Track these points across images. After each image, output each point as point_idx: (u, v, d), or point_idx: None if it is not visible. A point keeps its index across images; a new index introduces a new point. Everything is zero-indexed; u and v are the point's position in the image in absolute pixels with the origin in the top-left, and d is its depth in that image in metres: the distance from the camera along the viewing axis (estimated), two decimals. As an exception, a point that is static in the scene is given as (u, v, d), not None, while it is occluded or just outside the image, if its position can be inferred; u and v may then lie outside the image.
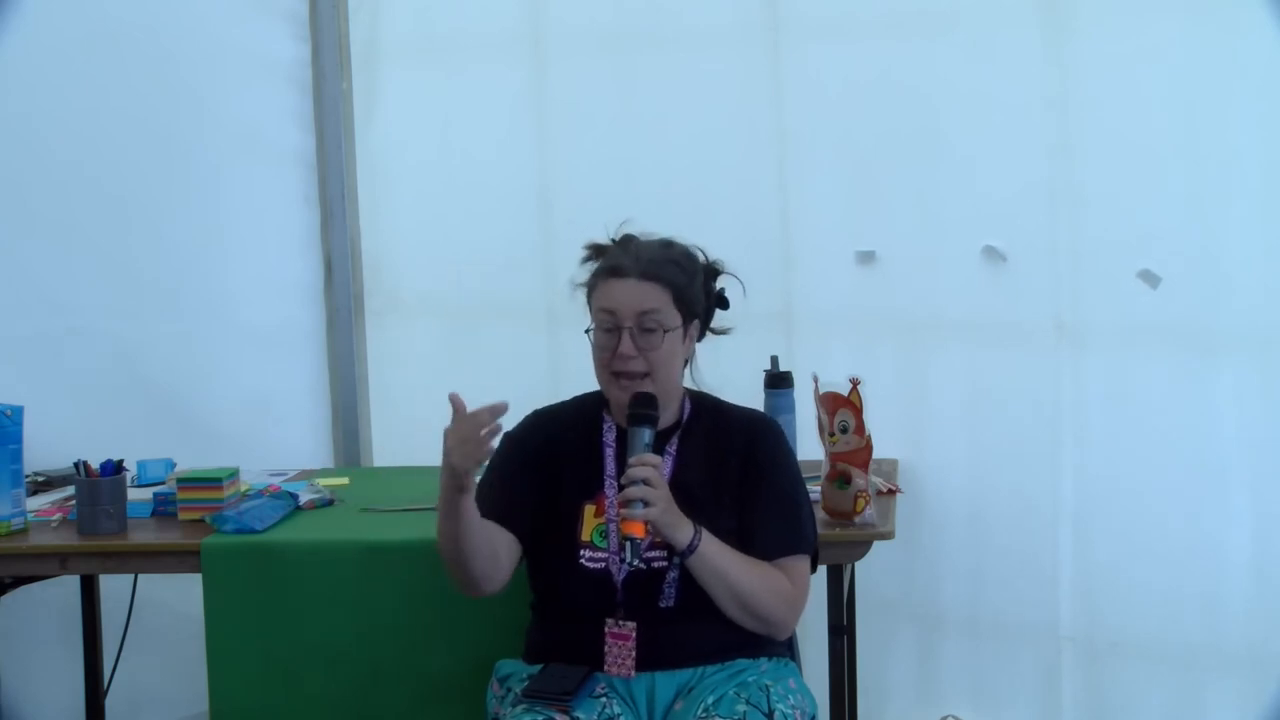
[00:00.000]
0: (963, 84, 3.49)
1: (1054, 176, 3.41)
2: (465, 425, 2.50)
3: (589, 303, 2.76)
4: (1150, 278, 3.30)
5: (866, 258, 3.62)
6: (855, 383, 2.91)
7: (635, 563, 2.61)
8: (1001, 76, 3.46)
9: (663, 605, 2.67)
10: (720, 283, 2.84)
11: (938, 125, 3.53)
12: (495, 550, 2.66)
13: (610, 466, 2.74)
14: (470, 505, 2.57)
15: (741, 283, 2.84)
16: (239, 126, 3.91)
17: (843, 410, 2.92)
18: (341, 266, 3.99)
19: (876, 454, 2.95)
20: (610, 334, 2.70)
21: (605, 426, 2.79)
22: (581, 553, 2.70)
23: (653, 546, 2.66)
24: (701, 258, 2.80)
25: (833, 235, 3.65)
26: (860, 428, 2.92)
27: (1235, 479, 3.30)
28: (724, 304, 2.83)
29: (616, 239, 2.79)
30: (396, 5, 3.94)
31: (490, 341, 3.91)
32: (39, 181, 3.77)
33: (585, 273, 2.78)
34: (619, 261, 2.72)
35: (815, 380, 2.99)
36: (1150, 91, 3.31)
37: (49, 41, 3.73)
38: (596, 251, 2.79)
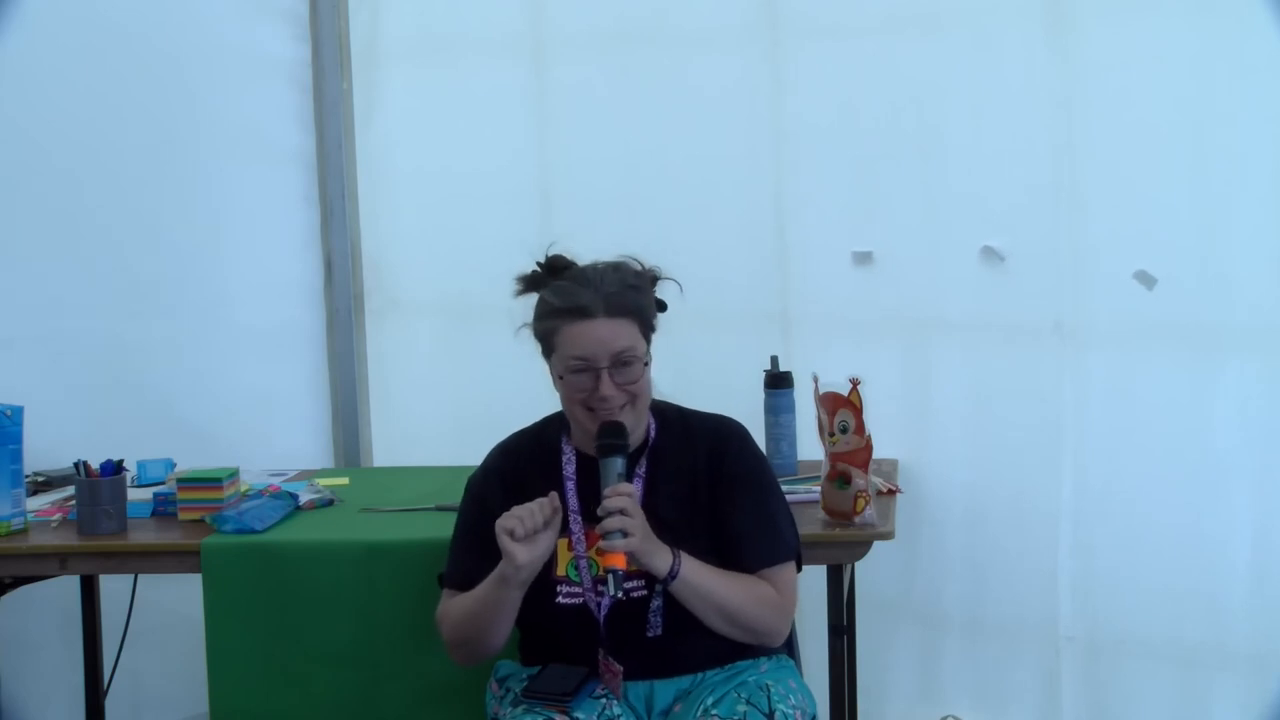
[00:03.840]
0: (963, 83, 3.49)
1: (1055, 176, 3.41)
2: (529, 524, 2.55)
3: (548, 345, 2.66)
4: (1146, 279, 3.30)
5: (863, 258, 3.62)
6: (855, 383, 2.90)
7: (618, 594, 2.56)
8: (1002, 76, 3.46)
9: (650, 635, 2.63)
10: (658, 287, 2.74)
11: (938, 125, 3.52)
12: (512, 623, 2.66)
13: (572, 500, 2.68)
14: (519, 596, 2.60)
15: (679, 285, 2.73)
16: (239, 126, 3.91)
17: (843, 410, 2.92)
18: (341, 266, 3.99)
19: (876, 454, 2.95)
20: (584, 375, 2.61)
21: (565, 458, 2.71)
22: (558, 589, 2.66)
23: (629, 576, 2.60)
24: (640, 266, 2.69)
25: (832, 235, 3.64)
26: (860, 428, 2.91)
27: (1236, 479, 3.30)
28: (663, 307, 2.74)
29: (546, 265, 2.69)
30: (396, 5, 3.94)
31: (490, 342, 3.90)
32: (39, 181, 3.77)
33: (522, 302, 2.68)
34: (580, 302, 2.60)
35: (815, 380, 2.99)
36: (1153, 91, 3.31)
37: (49, 42, 3.73)
38: (531, 283, 2.69)
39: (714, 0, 3.72)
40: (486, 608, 2.62)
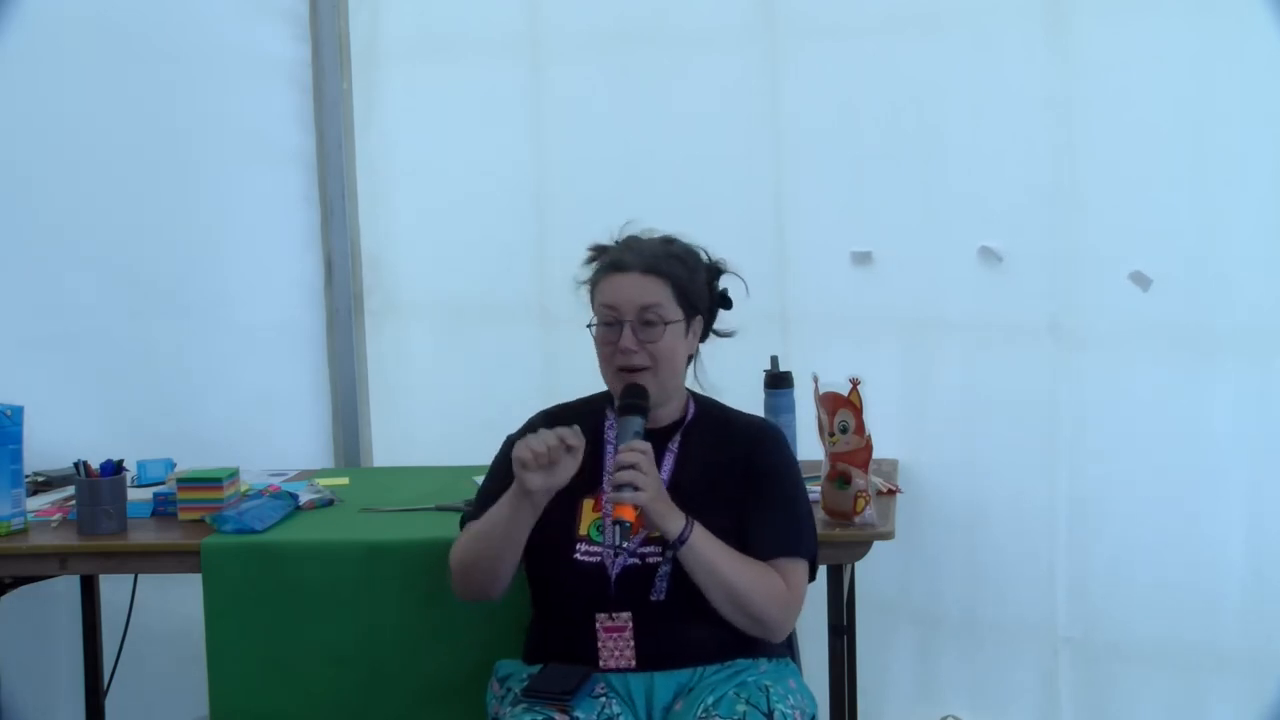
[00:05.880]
0: (963, 83, 3.49)
1: (1054, 177, 3.41)
2: (553, 450, 2.59)
3: (591, 300, 2.79)
4: (1141, 280, 3.30)
5: (862, 258, 3.62)
6: (855, 383, 2.91)
7: (625, 546, 2.63)
8: (1002, 76, 3.45)
9: (654, 599, 2.67)
10: (723, 282, 2.86)
11: (937, 125, 3.52)
12: (519, 553, 2.71)
13: (610, 463, 2.74)
14: (532, 516, 2.65)
15: (744, 282, 2.87)
16: (239, 127, 3.91)
17: (843, 410, 2.92)
18: (341, 266, 3.99)
19: (876, 454, 2.95)
20: (612, 328, 2.73)
21: (608, 423, 2.80)
22: (578, 546, 2.71)
23: (647, 542, 2.67)
24: (705, 257, 2.83)
25: (832, 235, 3.64)
26: (860, 428, 2.92)
27: (1232, 480, 3.29)
28: (727, 303, 2.86)
29: (619, 240, 2.82)
30: (396, 5, 3.94)
31: (489, 341, 3.91)
32: (39, 181, 3.77)
33: (588, 272, 2.81)
34: (620, 257, 2.76)
35: (815, 380, 2.99)
36: (1152, 91, 3.31)
37: (49, 42, 3.72)
38: (599, 252, 2.83)
39: (713, 0, 3.73)
40: (498, 525, 2.68)
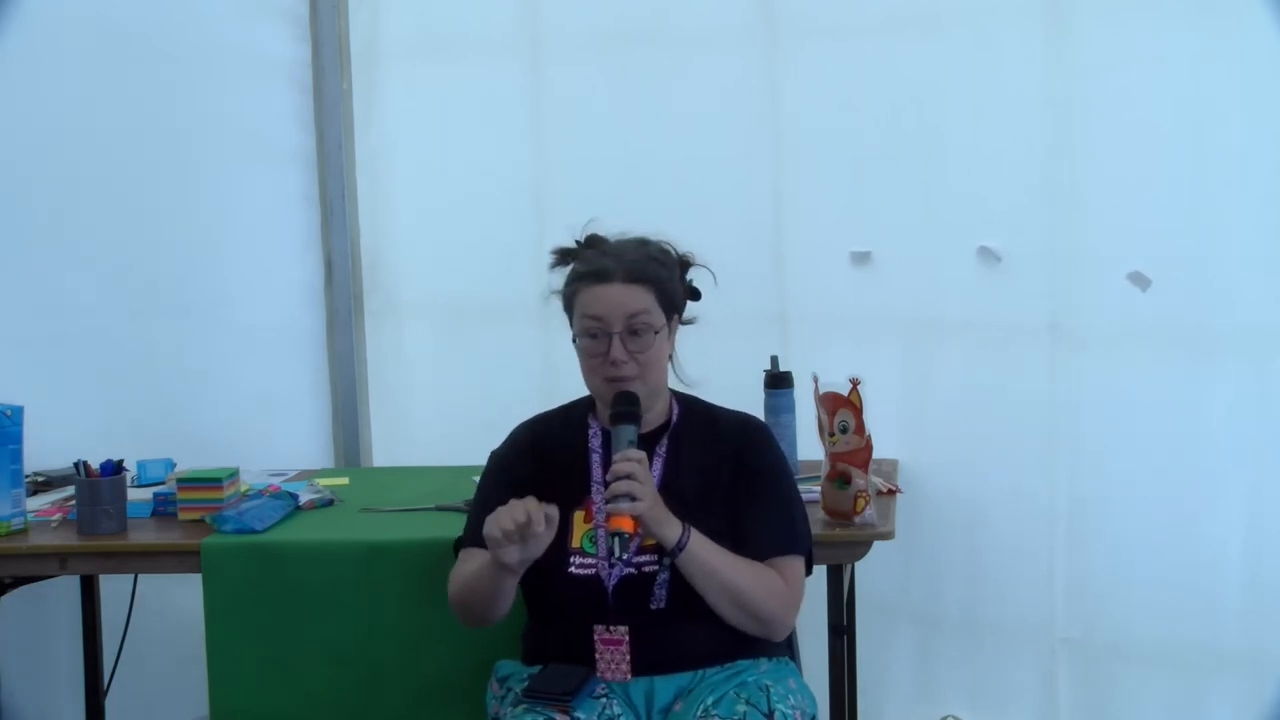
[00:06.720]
0: (963, 83, 3.49)
1: (1052, 177, 3.41)
2: (521, 528, 2.51)
3: (569, 309, 2.74)
4: (1140, 280, 3.30)
5: (862, 258, 3.62)
6: (855, 383, 2.91)
7: (623, 557, 2.61)
8: (1002, 76, 3.45)
9: (653, 607, 2.65)
10: (691, 274, 2.82)
11: (937, 125, 3.52)
12: (511, 597, 2.68)
13: (597, 472, 2.72)
14: (514, 578, 2.61)
15: (713, 274, 2.82)
16: (239, 126, 3.91)
17: (843, 410, 2.92)
18: (341, 266, 3.99)
19: (876, 454, 2.95)
20: (598, 340, 2.68)
21: (591, 432, 2.77)
22: (571, 559, 2.69)
23: (643, 550, 2.65)
24: (673, 252, 2.78)
25: (831, 235, 3.65)
26: (860, 428, 2.92)
27: (1231, 480, 3.30)
28: (696, 295, 2.81)
29: (583, 240, 2.77)
30: (396, 5, 3.94)
31: (489, 341, 3.91)
32: (39, 181, 3.77)
33: (559, 277, 2.76)
34: (601, 265, 2.69)
35: (815, 380, 2.99)
36: (1152, 91, 3.31)
37: (49, 41, 3.72)
38: (565, 256, 2.77)
39: (713, 0, 3.73)
40: (482, 582, 2.65)
